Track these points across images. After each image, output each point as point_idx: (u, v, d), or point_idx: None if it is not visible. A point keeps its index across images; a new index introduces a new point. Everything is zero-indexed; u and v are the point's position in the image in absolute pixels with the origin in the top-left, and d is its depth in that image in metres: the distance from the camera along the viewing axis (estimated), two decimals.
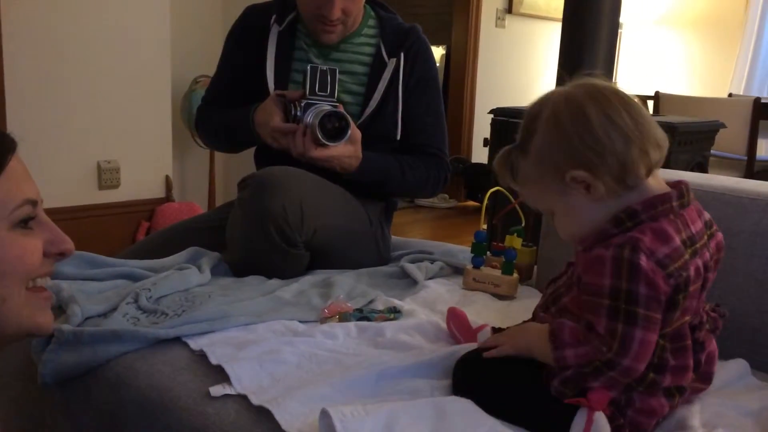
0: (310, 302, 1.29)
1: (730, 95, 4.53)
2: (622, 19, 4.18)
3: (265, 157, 1.69)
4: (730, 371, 1.10)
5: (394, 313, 1.23)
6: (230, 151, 1.85)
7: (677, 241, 0.86)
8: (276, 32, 1.65)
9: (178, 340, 1.10)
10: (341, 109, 1.48)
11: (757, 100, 3.69)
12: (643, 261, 0.82)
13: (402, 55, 1.65)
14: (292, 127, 1.48)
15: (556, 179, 0.89)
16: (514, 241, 1.44)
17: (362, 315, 1.22)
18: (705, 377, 0.98)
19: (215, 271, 1.44)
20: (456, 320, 1.18)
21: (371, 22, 1.69)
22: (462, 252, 1.69)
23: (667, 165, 0.99)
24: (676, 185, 0.92)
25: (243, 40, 1.70)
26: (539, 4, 5.03)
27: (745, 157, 3.75)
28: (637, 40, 5.47)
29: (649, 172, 0.88)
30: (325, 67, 1.50)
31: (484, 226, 1.51)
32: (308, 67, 1.49)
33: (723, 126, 2.83)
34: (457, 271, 1.55)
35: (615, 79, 2.40)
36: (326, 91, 1.49)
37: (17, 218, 0.75)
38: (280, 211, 1.36)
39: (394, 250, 1.72)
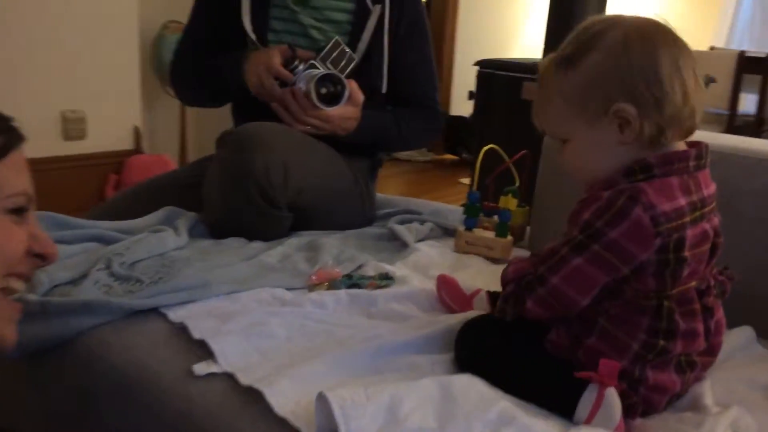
0: (296, 267, 1.21)
1: (711, 48, 4.46)
2: None
3: (245, 112, 1.60)
4: (736, 339, 1.07)
5: (386, 279, 1.17)
6: (209, 104, 1.73)
7: (682, 201, 0.83)
8: None
9: (155, 311, 1.02)
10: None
11: (741, 53, 3.63)
12: (636, 212, 0.79)
13: (387, 1, 1.55)
14: (287, 75, 1.41)
15: (597, 105, 0.84)
16: (510, 202, 1.37)
17: (352, 282, 1.15)
18: (713, 349, 0.94)
19: (192, 233, 1.36)
20: (447, 288, 1.12)
21: None
22: (451, 212, 1.62)
23: None
24: (696, 145, 0.88)
25: None
26: None
27: (727, 112, 3.71)
28: None
29: (687, 134, 0.86)
30: (347, 50, 1.47)
31: (474, 190, 1.43)
32: (335, 38, 1.47)
33: (713, 80, 2.77)
34: (447, 232, 1.48)
35: None
36: (336, 68, 1.45)
37: (11, 205, 0.74)
38: (262, 171, 1.27)
39: (379, 208, 1.65)
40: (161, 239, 1.24)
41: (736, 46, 4.68)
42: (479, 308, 1.07)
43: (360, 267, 1.23)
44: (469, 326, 0.95)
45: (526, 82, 2.24)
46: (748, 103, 4.08)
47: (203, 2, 1.62)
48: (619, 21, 0.85)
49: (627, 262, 0.82)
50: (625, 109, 0.82)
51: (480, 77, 2.41)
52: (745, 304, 1.13)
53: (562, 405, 0.83)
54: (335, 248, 1.29)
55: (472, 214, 1.38)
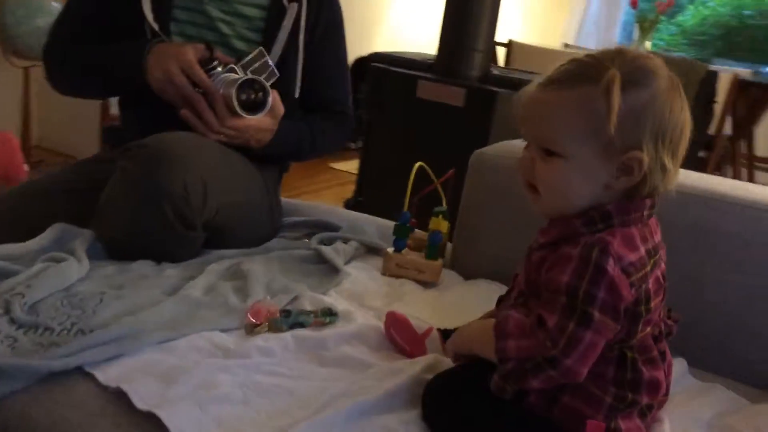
0: (227, 302, 1.09)
1: (566, 45, 4.67)
2: None
3: (137, 108, 1.43)
4: (673, 372, 1.10)
5: (330, 316, 1.08)
6: (93, 96, 1.52)
7: (642, 250, 0.83)
8: None
9: (78, 370, 0.86)
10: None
11: None
12: (610, 266, 0.79)
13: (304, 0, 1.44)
14: (203, 76, 1.27)
15: (622, 143, 0.79)
16: (441, 224, 1.32)
17: (293, 321, 1.05)
18: (666, 389, 0.96)
19: (88, 253, 1.18)
20: (398, 326, 1.06)
21: None
22: (367, 223, 1.56)
23: None
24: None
25: None
26: None
27: None
28: None
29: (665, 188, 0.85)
30: (271, 64, 1.33)
31: (405, 210, 1.37)
32: (260, 48, 1.33)
33: None
34: (370, 250, 1.42)
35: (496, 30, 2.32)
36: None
37: None
38: (180, 191, 1.13)
39: (284, 216, 1.56)
40: (63, 271, 1.06)
41: (583, 43, 4.94)
42: (432, 349, 1.03)
43: (295, 298, 1.14)
44: (436, 385, 0.90)
45: (421, 81, 2.21)
46: None
47: None
48: (665, 69, 0.82)
49: (616, 317, 0.80)
50: (642, 161, 0.79)
51: (372, 72, 2.33)
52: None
53: None
54: (263, 275, 1.18)
55: (402, 236, 1.33)
